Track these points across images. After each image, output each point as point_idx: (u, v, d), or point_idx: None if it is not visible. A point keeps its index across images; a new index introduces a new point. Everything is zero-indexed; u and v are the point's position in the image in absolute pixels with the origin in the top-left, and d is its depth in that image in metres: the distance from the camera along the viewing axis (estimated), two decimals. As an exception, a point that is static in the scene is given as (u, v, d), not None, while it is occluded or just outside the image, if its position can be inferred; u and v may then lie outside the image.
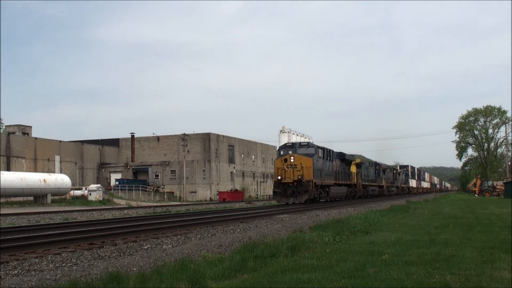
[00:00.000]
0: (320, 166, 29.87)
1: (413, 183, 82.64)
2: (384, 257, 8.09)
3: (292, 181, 27.76)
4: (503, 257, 8.04)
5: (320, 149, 30.72)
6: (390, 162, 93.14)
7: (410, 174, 79.67)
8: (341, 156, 36.96)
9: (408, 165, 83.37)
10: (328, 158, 32.43)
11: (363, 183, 42.80)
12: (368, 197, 45.02)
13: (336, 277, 6.45)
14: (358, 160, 42.22)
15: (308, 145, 30.01)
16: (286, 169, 27.96)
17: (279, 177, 28.07)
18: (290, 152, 28.97)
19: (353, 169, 40.16)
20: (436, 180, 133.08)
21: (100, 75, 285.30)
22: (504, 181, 55.89)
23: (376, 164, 51.34)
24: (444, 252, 8.65)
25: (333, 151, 34.47)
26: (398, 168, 73.05)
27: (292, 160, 28.09)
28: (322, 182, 30.13)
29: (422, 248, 9.20)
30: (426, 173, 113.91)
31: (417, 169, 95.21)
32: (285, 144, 31.48)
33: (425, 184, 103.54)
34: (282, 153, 29.73)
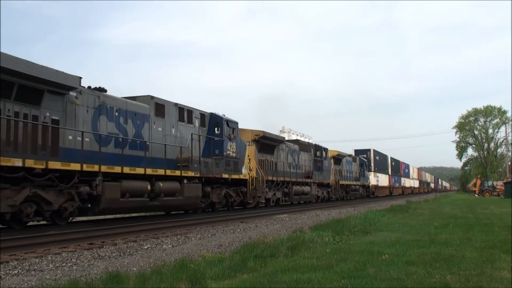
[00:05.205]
0: None
1: (381, 179, 52.45)
2: (384, 257, 8.09)
3: None
4: (503, 257, 8.05)
5: None
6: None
7: (372, 165, 49.23)
8: None
9: (369, 149, 50.87)
10: None
11: (149, 172, 14.96)
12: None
13: (336, 277, 6.46)
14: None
15: None
16: None
17: None
18: None
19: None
20: (428, 177, 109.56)
21: (100, 75, 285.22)
22: (504, 181, 55.88)
23: (222, 119, 19.34)
24: (444, 252, 8.66)
25: None
26: (353, 154, 46.10)
27: None
28: None
29: (422, 248, 9.20)
30: (411, 167, 79.99)
31: (392, 158, 61.84)
32: None
33: (410, 182, 75.08)
34: None
